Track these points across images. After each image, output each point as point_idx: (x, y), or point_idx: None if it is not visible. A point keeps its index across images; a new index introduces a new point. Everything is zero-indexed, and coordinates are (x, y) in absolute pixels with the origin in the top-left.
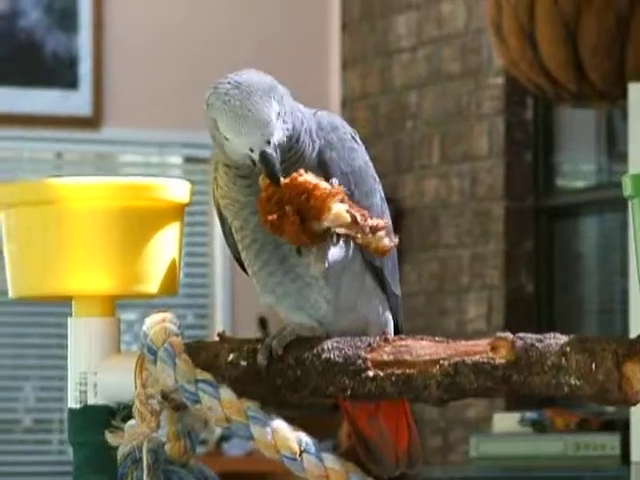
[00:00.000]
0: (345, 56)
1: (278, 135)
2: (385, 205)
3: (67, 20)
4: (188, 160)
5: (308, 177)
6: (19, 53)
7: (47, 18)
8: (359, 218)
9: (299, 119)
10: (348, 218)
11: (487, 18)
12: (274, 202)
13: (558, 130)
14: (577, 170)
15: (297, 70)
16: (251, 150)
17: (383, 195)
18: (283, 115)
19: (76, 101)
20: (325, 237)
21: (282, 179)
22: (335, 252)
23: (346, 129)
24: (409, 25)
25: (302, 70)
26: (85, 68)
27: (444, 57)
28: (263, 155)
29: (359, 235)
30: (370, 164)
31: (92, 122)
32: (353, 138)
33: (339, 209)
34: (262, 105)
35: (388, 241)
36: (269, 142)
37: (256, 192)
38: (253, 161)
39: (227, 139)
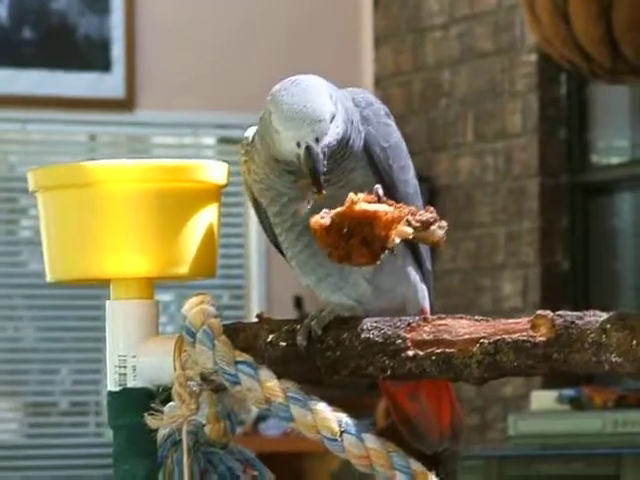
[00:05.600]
0: (377, 34)
1: (329, 138)
2: (417, 181)
3: (99, 2)
4: (222, 141)
5: (364, 205)
6: (51, 36)
7: (79, 1)
8: (411, 220)
9: (350, 121)
10: (410, 232)
11: None
12: (335, 232)
13: (592, 106)
14: (611, 146)
15: (329, 49)
16: (298, 145)
17: (414, 171)
18: (337, 119)
19: (109, 83)
20: (386, 250)
21: (324, 185)
22: None
23: (379, 105)
24: (441, 2)
25: (334, 49)
26: (118, 50)
27: (477, 35)
28: (308, 150)
29: (412, 236)
30: (402, 140)
31: (125, 104)
32: (386, 114)
33: (402, 228)
34: (318, 103)
35: (440, 232)
36: (317, 140)
37: (301, 187)
38: (298, 158)
39: (277, 132)
